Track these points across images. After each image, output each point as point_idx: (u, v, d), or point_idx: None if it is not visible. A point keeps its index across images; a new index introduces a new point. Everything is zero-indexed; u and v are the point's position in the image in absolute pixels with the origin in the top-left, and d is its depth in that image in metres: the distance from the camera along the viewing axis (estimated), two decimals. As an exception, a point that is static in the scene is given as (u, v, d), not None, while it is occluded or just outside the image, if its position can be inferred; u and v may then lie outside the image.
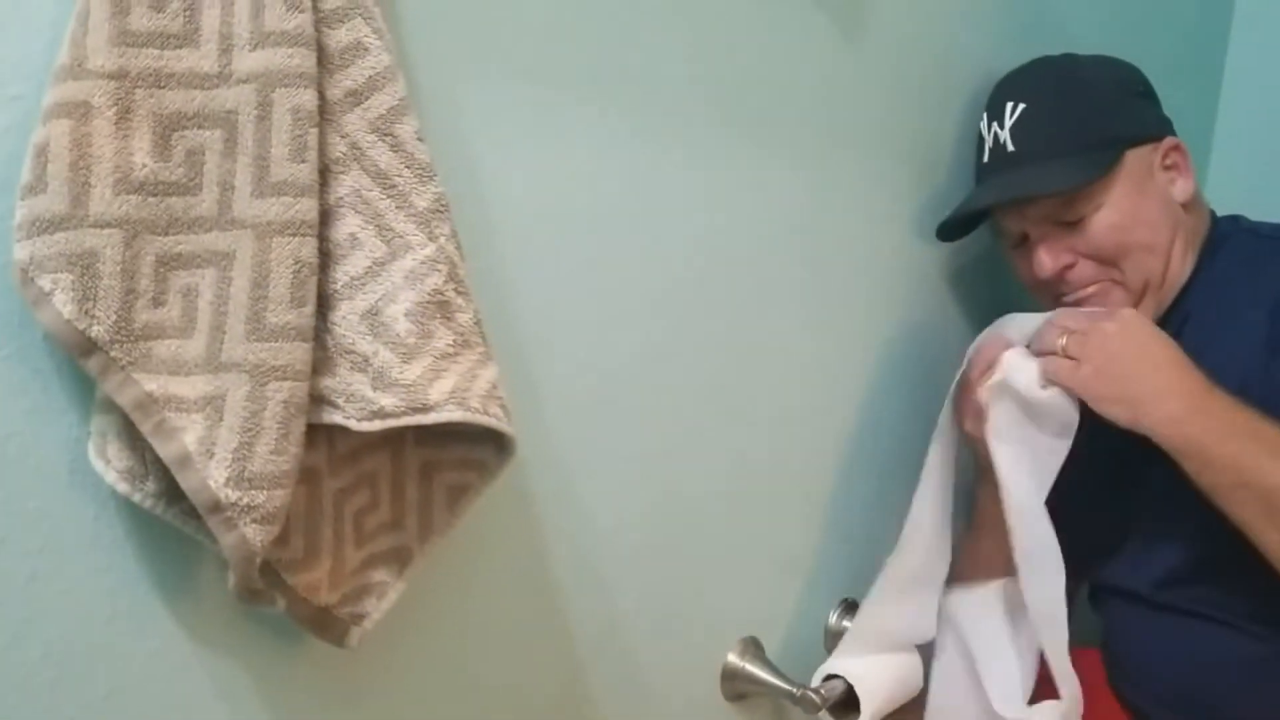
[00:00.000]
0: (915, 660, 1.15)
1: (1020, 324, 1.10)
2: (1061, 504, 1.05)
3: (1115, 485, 1.11)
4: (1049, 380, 1.03)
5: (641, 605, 1.01)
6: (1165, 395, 0.98)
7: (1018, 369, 1.05)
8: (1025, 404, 1.04)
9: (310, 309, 0.66)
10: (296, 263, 0.66)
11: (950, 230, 1.20)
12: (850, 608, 1.21)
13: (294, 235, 0.66)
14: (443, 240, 0.71)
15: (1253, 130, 1.71)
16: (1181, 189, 1.14)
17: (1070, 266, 1.13)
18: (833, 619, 1.21)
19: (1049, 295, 1.17)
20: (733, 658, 1.11)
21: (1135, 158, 1.12)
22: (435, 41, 0.80)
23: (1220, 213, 1.20)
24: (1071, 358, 1.02)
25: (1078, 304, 1.14)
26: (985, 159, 1.18)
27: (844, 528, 1.21)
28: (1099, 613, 1.22)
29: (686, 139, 0.97)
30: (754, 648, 1.12)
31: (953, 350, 1.25)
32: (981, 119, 1.19)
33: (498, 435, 0.74)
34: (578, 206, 0.90)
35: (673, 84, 0.95)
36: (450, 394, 0.70)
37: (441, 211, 0.71)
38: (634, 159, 0.93)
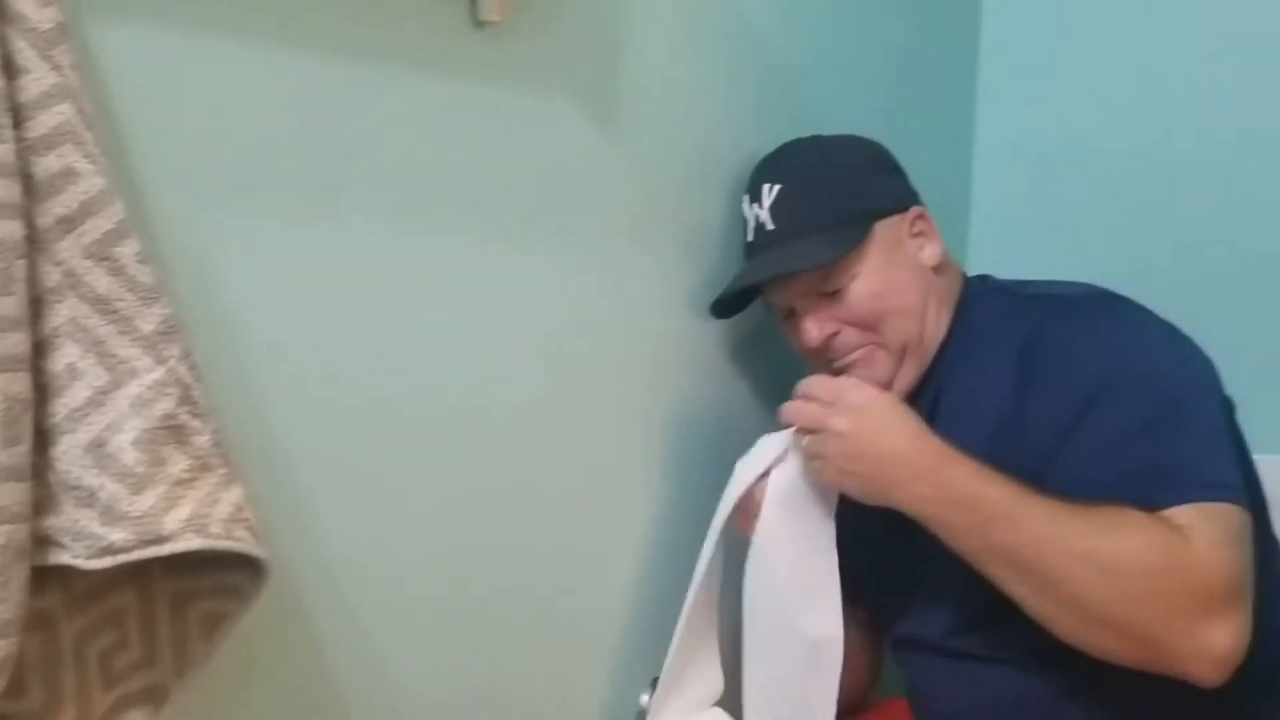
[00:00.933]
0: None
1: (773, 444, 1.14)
2: (848, 563, 1.09)
3: (895, 542, 1.14)
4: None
5: (437, 717, 0.99)
6: (905, 478, 1.02)
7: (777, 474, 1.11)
8: (789, 497, 1.10)
9: (25, 447, 0.64)
10: (6, 400, 0.63)
11: (723, 308, 1.24)
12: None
13: (3, 371, 0.63)
14: (173, 362, 0.69)
15: (1005, 193, 1.83)
16: (930, 254, 1.21)
17: (835, 334, 1.18)
18: (645, 699, 1.20)
19: (820, 362, 1.21)
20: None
21: (884, 228, 1.18)
22: (166, 159, 0.79)
23: (982, 270, 1.28)
24: (814, 458, 1.07)
25: (847, 368, 1.19)
26: (750, 238, 1.22)
27: (646, 605, 1.21)
28: (899, 665, 1.25)
29: (445, 240, 0.97)
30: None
31: (736, 421, 1.28)
32: (744, 200, 1.24)
33: (250, 558, 0.72)
34: (332, 315, 0.89)
35: (427, 187, 0.96)
36: (188, 521, 0.68)
37: (170, 333, 0.70)
38: (390, 263, 0.93)
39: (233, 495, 0.71)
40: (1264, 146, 1.59)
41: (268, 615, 0.80)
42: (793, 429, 1.11)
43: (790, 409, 1.11)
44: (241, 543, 0.70)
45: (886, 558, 1.18)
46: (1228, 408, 1.09)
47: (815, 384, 1.10)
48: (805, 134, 1.26)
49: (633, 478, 1.20)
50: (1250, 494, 1.04)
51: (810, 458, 1.08)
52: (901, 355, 1.18)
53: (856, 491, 1.06)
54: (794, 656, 1.09)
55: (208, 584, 0.75)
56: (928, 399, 1.19)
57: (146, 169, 0.77)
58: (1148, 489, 0.97)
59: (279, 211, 0.85)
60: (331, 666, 0.90)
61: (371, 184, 0.91)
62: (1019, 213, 1.81)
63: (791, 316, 1.22)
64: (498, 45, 0.99)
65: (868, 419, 1.05)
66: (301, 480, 0.87)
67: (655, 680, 1.21)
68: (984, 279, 1.25)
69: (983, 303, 1.21)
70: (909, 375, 1.18)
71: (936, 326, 1.19)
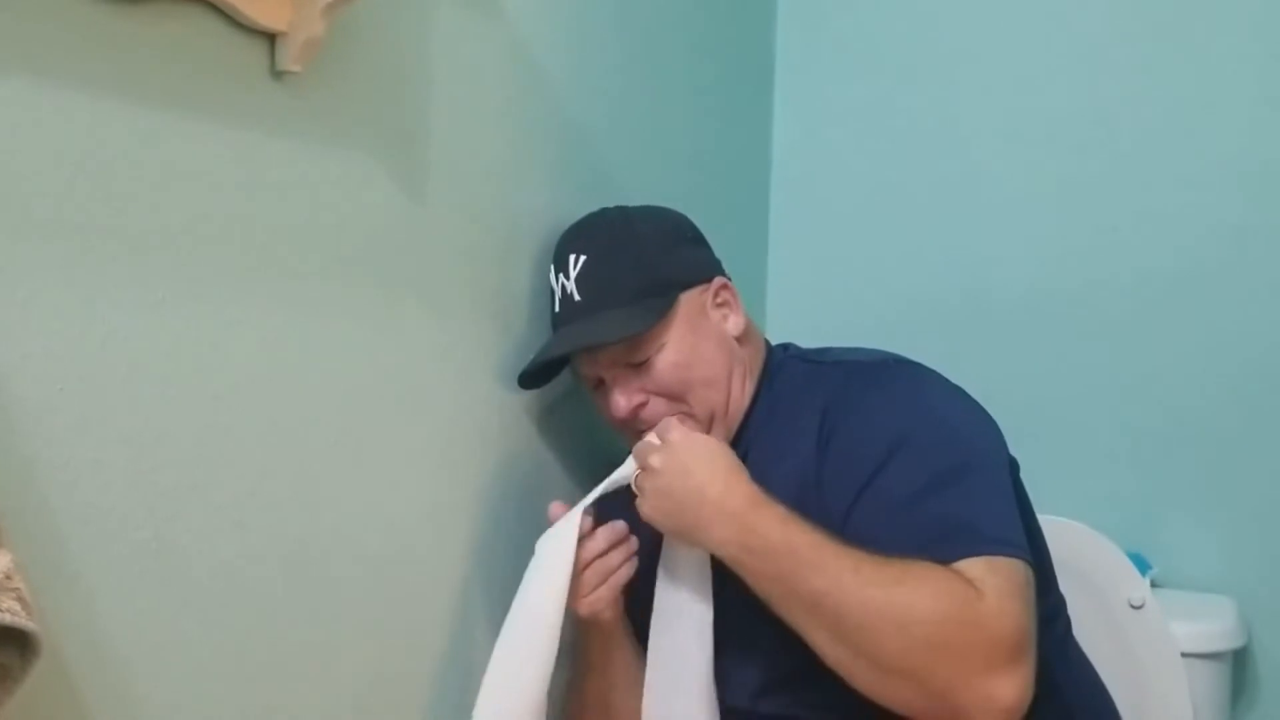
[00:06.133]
0: None
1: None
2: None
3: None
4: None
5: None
6: (713, 519, 1.04)
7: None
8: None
9: None
10: None
11: (531, 379, 1.23)
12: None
13: None
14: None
15: (799, 261, 1.92)
16: (734, 324, 1.24)
17: (643, 405, 1.19)
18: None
19: (629, 432, 1.22)
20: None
21: (689, 299, 1.21)
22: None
23: (780, 338, 1.32)
24: (639, 493, 1.09)
25: (654, 440, 1.20)
26: (557, 309, 1.23)
27: (460, 681, 1.17)
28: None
29: (234, 298, 0.92)
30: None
31: (548, 486, 1.27)
32: (550, 270, 1.24)
33: (19, 633, 0.66)
34: (106, 372, 0.83)
35: (216, 241, 0.91)
36: (-54, 591, 0.61)
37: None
38: (175, 320, 0.87)
39: (1, 563, 0.65)
40: (1046, 225, 1.73)
41: (36, 696, 0.73)
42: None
43: (636, 446, 1.13)
44: (8, 615, 0.64)
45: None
46: (1013, 467, 1.15)
47: (659, 427, 1.12)
48: (608, 203, 1.29)
49: (431, 549, 1.16)
50: (1035, 551, 1.09)
51: (638, 493, 1.09)
52: (709, 424, 1.20)
53: (665, 526, 1.09)
54: None
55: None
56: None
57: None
58: (936, 543, 1.00)
59: (54, 263, 0.79)
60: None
61: (157, 236, 0.86)
62: (815, 274, 1.90)
63: (600, 387, 1.23)
64: (296, 97, 0.97)
65: (680, 456, 1.07)
66: (72, 548, 0.80)
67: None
68: (786, 347, 1.29)
69: (785, 371, 1.25)
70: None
71: (741, 395, 1.22)
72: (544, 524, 1.28)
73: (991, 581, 0.97)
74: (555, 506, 1.15)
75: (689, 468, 1.06)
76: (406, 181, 1.10)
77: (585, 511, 1.12)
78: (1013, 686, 0.94)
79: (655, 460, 1.07)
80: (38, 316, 0.78)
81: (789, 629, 1.02)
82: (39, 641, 0.67)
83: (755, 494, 1.04)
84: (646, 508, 1.08)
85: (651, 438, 1.11)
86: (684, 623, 1.14)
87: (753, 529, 1.02)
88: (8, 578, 0.64)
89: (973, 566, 0.98)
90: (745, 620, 1.08)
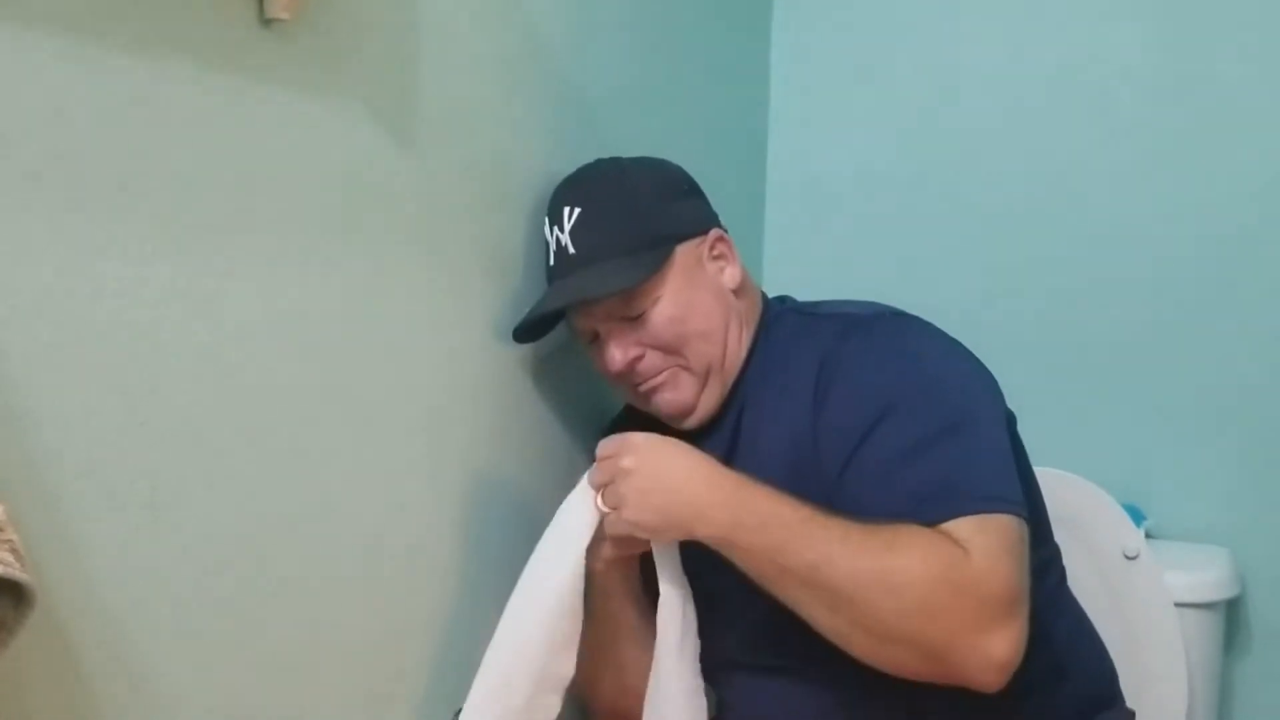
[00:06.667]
0: None
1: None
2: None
3: (697, 565, 1.15)
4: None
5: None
6: (700, 511, 1.03)
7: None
8: None
9: None
10: None
11: (526, 333, 1.22)
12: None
13: None
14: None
15: (796, 213, 1.91)
16: (730, 276, 1.23)
17: (639, 358, 1.18)
18: (451, 726, 1.17)
19: (625, 385, 1.22)
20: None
21: (685, 252, 1.20)
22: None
23: (777, 290, 1.31)
24: (613, 508, 1.06)
25: (651, 391, 1.20)
26: (552, 262, 1.22)
27: (450, 634, 1.18)
28: (710, 686, 1.25)
29: (221, 247, 0.91)
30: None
31: (543, 440, 1.27)
32: (545, 223, 1.23)
33: (12, 585, 0.66)
34: (99, 321, 0.82)
35: (203, 189, 0.89)
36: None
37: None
38: (162, 269, 0.86)
39: (-8, 515, 0.64)
40: (1048, 177, 1.72)
41: (29, 649, 0.73)
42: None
43: (589, 475, 1.10)
44: (3, 566, 0.64)
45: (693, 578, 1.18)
46: (1009, 421, 1.14)
47: (602, 445, 1.09)
48: (604, 155, 1.27)
49: (425, 503, 1.16)
50: (1030, 503, 1.09)
51: (610, 509, 1.06)
52: (705, 377, 1.19)
53: (656, 524, 1.05)
54: None
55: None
56: (731, 419, 1.21)
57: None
58: (928, 504, 1.00)
59: (42, 215, 0.78)
60: (99, 707, 0.83)
61: (146, 186, 0.85)
62: (810, 232, 1.90)
63: (596, 341, 1.22)
64: (285, 44, 0.95)
65: (653, 452, 1.06)
66: (65, 500, 0.80)
67: (456, 712, 1.17)
68: (783, 299, 1.29)
69: (781, 323, 1.24)
70: (713, 396, 1.20)
71: (738, 348, 1.21)
72: (538, 477, 1.29)
73: (979, 541, 0.97)
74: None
75: (666, 459, 1.05)
76: (398, 132, 1.09)
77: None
78: (1006, 642, 0.95)
79: (628, 461, 1.04)
80: (26, 269, 0.77)
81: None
82: (33, 593, 0.67)
83: (738, 476, 1.04)
84: (629, 514, 1.05)
85: (602, 450, 1.08)
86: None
87: (744, 508, 1.01)
88: (0, 529, 0.64)
89: (962, 526, 0.98)
90: (737, 571, 1.08)
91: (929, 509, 0.99)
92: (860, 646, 0.99)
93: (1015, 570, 0.98)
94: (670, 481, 1.04)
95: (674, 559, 1.11)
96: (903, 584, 0.95)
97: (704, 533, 1.03)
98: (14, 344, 0.76)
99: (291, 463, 0.99)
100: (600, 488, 1.07)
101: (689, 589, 1.12)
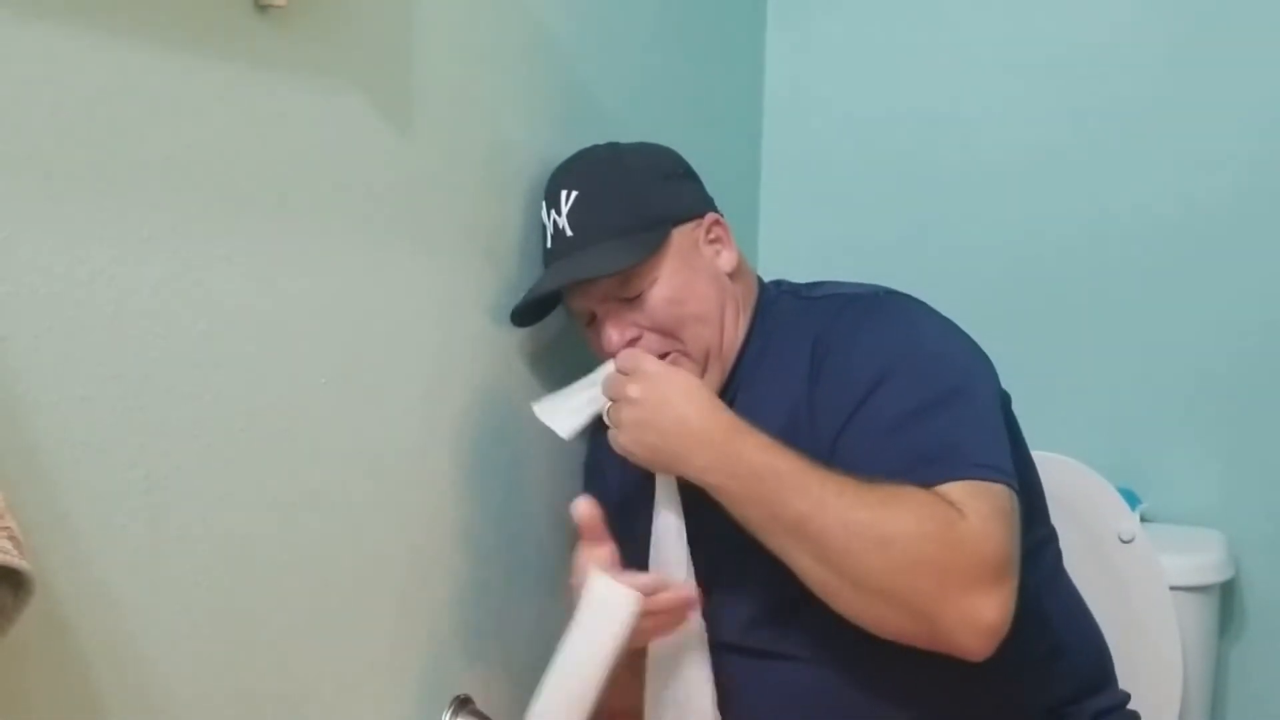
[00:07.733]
0: None
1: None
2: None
3: (692, 547, 1.15)
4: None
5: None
6: (695, 448, 1.04)
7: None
8: None
9: None
10: None
11: (524, 316, 1.23)
12: (463, 704, 1.18)
13: None
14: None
15: (791, 197, 1.91)
16: (726, 260, 1.23)
17: (637, 340, 1.18)
18: (446, 717, 1.17)
19: (624, 369, 1.22)
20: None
21: (681, 235, 1.20)
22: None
23: (772, 274, 1.31)
24: (615, 425, 1.09)
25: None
26: (549, 245, 1.22)
27: (447, 620, 1.18)
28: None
29: (218, 235, 0.91)
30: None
31: (539, 425, 1.26)
32: (542, 207, 1.23)
33: (12, 572, 0.66)
34: (95, 309, 0.82)
35: (197, 177, 0.89)
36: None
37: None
38: (157, 256, 0.86)
39: (-9, 502, 0.65)
40: (1042, 161, 1.72)
41: (28, 636, 0.74)
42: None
43: (605, 379, 1.12)
44: (2, 553, 0.64)
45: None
46: (1004, 400, 1.15)
47: (621, 357, 1.12)
48: (601, 139, 1.27)
49: (420, 487, 1.16)
50: (1027, 483, 1.10)
51: (612, 425, 1.09)
52: (705, 362, 1.19)
53: (646, 459, 1.08)
54: None
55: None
56: (725, 402, 1.21)
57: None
58: (922, 467, 1.01)
59: (38, 201, 0.78)
60: (98, 693, 0.84)
61: (141, 172, 0.85)
62: (806, 217, 1.89)
63: (593, 323, 1.22)
64: (280, 30, 0.94)
65: (658, 387, 1.07)
66: (63, 486, 0.80)
67: (456, 699, 1.18)
68: (779, 283, 1.29)
69: (777, 306, 1.25)
70: (713, 381, 1.20)
71: (735, 332, 1.22)
72: (535, 463, 1.29)
73: (973, 504, 0.98)
74: (583, 506, 1.11)
75: (668, 398, 1.06)
76: (394, 117, 1.08)
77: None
78: (994, 606, 0.95)
79: (633, 390, 1.07)
80: (23, 254, 0.77)
81: (777, 563, 1.03)
82: (32, 580, 0.67)
83: (737, 421, 1.05)
84: (624, 439, 1.08)
85: (617, 366, 1.11)
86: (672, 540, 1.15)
87: (736, 454, 1.02)
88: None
89: (956, 489, 0.99)
90: (734, 555, 1.08)
91: (924, 470, 1.00)
92: (845, 601, 1.00)
93: (1007, 535, 0.98)
94: (665, 422, 1.06)
95: (672, 489, 1.13)
96: (894, 538, 0.96)
97: (692, 475, 1.05)
98: (12, 331, 0.76)
99: (288, 448, 0.99)
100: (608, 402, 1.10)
101: (684, 520, 1.13)
